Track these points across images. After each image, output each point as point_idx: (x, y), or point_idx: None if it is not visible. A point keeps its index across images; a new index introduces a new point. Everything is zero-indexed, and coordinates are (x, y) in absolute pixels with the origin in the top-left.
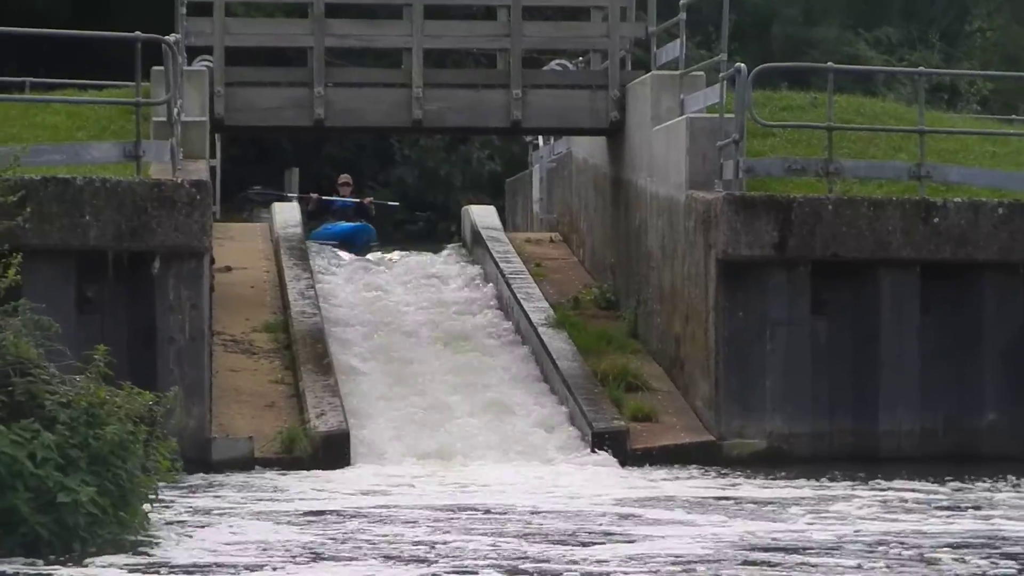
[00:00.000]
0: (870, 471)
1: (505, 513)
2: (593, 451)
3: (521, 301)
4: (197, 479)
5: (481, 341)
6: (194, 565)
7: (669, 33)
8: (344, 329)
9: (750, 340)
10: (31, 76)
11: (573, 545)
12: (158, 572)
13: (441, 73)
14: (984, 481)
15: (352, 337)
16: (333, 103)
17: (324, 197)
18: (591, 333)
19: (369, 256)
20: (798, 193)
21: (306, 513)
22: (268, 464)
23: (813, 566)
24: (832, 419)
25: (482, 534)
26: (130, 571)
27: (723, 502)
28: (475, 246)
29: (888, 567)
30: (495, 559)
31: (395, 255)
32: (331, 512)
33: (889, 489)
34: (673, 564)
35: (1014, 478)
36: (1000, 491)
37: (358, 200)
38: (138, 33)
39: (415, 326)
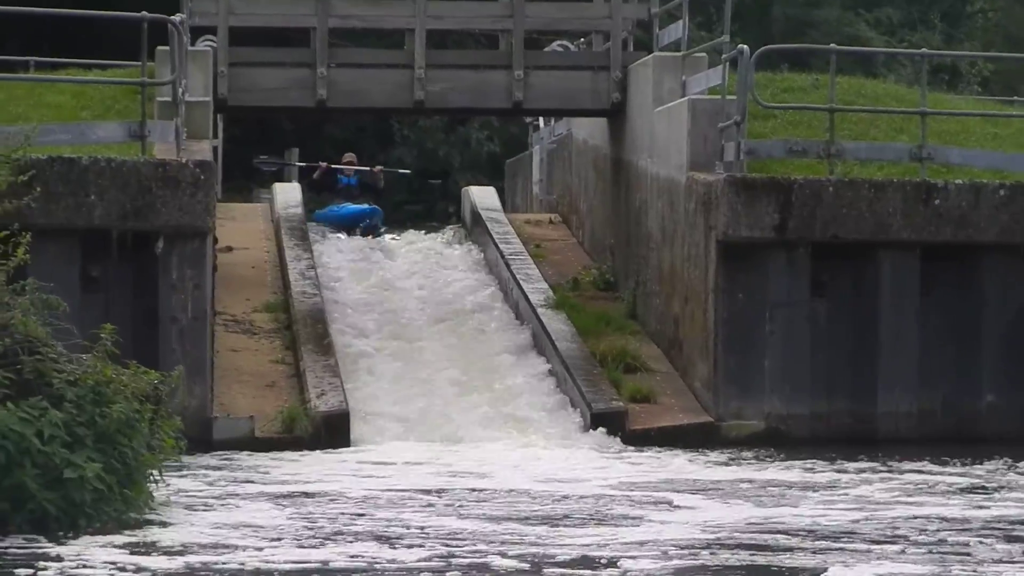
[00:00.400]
0: (871, 452)
1: (503, 494)
2: (592, 432)
3: (521, 282)
4: (198, 458)
5: (480, 322)
6: (196, 544)
7: (671, 14)
8: (344, 309)
9: (749, 322)
10: (35, 56)
11: (573, 527)
12: (158, 551)
13: (444, 54)
14: (992, 462)
15: (352, 317)
16: (336, 83)
17: (333, 166)
18: (590, 314)
19: (370, 237)
20: (799, 175)
21: (305, 494)
22: (269, 444)
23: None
24: (831, 401)
25: (479, 516)
26: (131, 551)
27: (726, 484)
28: (475, 227)
29: (903, 551)
30: (493, 542)
31: (395, 236)
32: (331, 493)
33: (907, 472)
34: (677, 548)
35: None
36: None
37: (368, 168)
38: (144, 13)
39: (415, 306)
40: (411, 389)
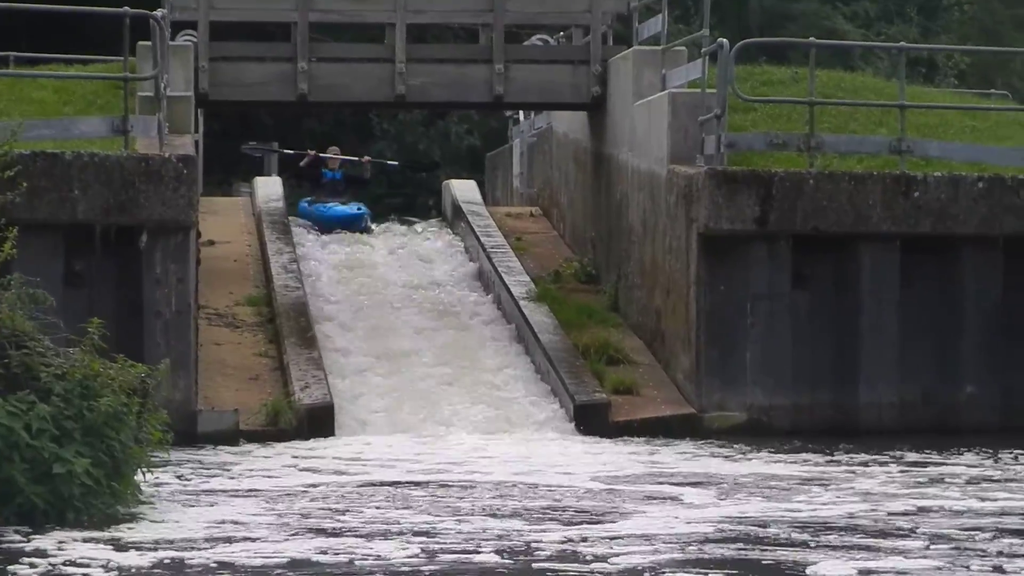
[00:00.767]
0: (854, 443)
1: (486, 487)
2: (575, 424)
3: (502, 275)
4: (184, 451)
5: (462, 315)
6: (183, 539)
7: (649, 8)
8: (325, 302)
9: (731, 314)
10: (13, 51)
11: (557, 521)
12: (145, 545)
13: (424, 48)
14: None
15: (333, 310)
16: (317, 78)
17: (321, 154)
18: (572, 307)
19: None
20: (779, 168)
21: (289, 487)
22: (253, 436)
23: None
24: (812, 392)
25: (462, 510)
26: (115, 548)
27: (711, 476)
28: (456, 220)
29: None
30: (476, 536)
31: (374, 225)
32: (313, 487)
33: (896, 463)
34: (663, 541)
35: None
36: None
37: (356, 158)
38: (126, 9)
39: (396, 300)
40: (393, 382)
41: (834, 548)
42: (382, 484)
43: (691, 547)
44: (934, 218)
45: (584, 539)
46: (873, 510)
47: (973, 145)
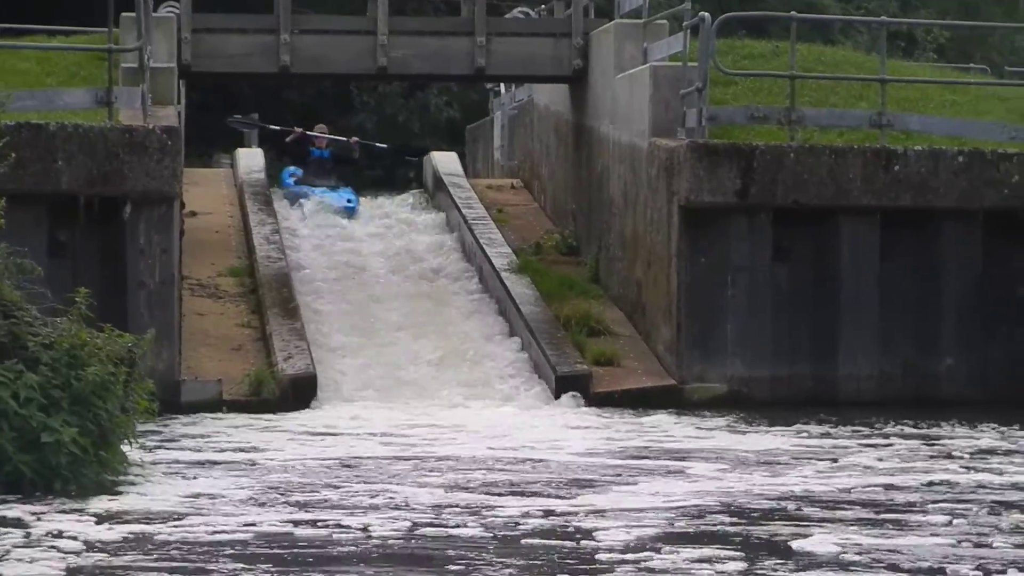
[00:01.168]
0: (844, 416)
1: (468, 460)
2: (557, 395)
3: (484, 246)
4: (167, 421)
5: (444, 286)
6: (168, 510)
7: None
8: (307, 273)
9: (711, 286)
10: None
11: (539, 495)
12: (132, 514)
13: (406, 21)
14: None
15: (315, 281)
16: (299, 50)
17: (308, 132)
18: (553, 278)
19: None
20: (760, 141)
21: (272, 459)
22: (236, 406)
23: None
24: (792, 364)
25: (444, 483)
26: (97, 521)
27: (694, 449)
28: (437, 192)
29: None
30: (458, 509)
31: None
32: (296, 458)
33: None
34: (649, 515)
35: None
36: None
37: (344, 138)
38: None
39: (378, 271)
40: (375, 354)
41: (826, 523)
42: (364, 456)
43: (679, 521)
44: (914, 191)
45: (569, 512)
46: (867, 486)
47: (953, 119)
